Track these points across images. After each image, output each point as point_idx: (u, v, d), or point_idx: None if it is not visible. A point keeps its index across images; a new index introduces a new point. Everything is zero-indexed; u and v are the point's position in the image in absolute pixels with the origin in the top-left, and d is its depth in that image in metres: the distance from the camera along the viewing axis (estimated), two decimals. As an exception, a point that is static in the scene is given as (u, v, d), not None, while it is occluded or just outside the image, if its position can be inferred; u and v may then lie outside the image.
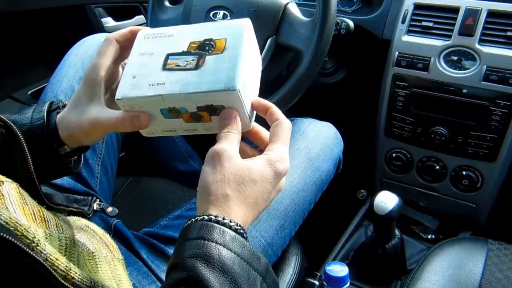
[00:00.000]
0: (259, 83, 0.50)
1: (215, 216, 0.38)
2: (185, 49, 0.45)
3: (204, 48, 0.45)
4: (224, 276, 0.35)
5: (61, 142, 0.50)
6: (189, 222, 0.39)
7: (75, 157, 0.54)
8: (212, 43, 0.45)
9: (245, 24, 0.46)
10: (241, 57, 0.43)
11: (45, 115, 0.50)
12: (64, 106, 0.52)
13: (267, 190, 0.41)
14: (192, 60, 0.44)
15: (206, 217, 0.38)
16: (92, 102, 0.47)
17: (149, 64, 0.45)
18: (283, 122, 0.46)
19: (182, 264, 0.35)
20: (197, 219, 0.38)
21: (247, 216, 0.40)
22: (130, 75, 0.45)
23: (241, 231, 0.38)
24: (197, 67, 0.43)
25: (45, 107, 0.51)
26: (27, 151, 0.49)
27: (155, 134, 0.48)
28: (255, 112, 0.47)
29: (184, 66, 0.44)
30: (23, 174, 0.49)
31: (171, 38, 0.47)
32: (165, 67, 0.44)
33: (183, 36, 0.47)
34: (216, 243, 0.36)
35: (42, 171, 0.51)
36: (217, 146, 0.41)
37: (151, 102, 0.44)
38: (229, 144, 0.41)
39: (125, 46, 0.49)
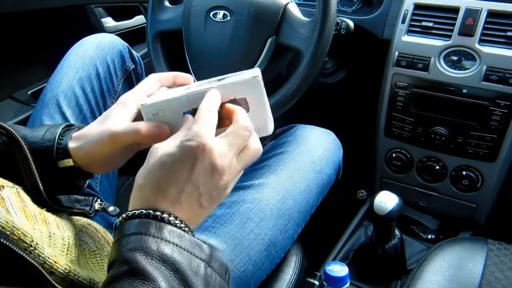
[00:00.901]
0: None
1: (153, 210, 0.38)
2: None
3: None
4: (164, 265, 0.35)
5: (66, 154, 0.50)
6: (122, 219, 0.39)
7: (81, 180, 0.54)
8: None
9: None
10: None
11: (56, 136, 0.50)
12: (80, 128, 0.52)
13: (179, 169, 0.39)
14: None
15: (143, 212, 0.38)
16: (118, 116, 0.48)
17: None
18: (236, 122, 0.44)
19: (121, 259, 0.36)
20: (134, 213, 0.39)
21: (171, 201, 0.40)
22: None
23: (176, 222, 0.39)
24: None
25: (59, 129, 0.51)
26: (30, 158, 0.49)
27: None
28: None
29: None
30: (27, 180, 0.49)
31: None
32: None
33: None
34: (154, 236, 0.37)
35: (48, 188, 0.51)
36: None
37: (176, 105, 0.45)
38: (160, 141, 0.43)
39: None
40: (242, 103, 0.45)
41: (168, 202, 0.40)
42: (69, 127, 0.53)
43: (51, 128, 0.52)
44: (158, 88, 0.51)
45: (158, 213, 0.38)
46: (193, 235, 0.40)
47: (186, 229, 0.39)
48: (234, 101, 0.45)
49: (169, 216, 0.38)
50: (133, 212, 0.39)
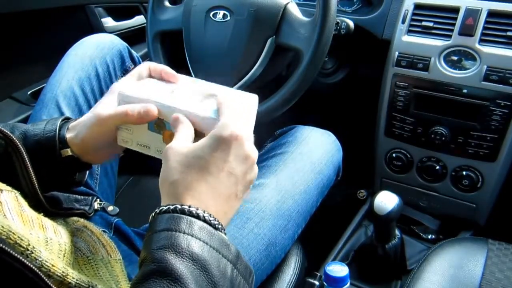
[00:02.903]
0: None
1: (187, 207, 0.38)
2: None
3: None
4: (194, 264, 0.35)
5: (65, 144, 0.51)
6: (154, 214, 0.40)
7: (81, 172, 0.55)
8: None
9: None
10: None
11: (57, 128, 0.51)
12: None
13: (215, 159, 0.41)
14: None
15: (171, 207, 0.39)
16: (106, 102, 0.50)
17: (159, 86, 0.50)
18: (221, 101, 0.45)
19: (151, 257, 0.36)
20: (162, 209, 0.39)
21: (208, 196, 0.40)
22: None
23: (210, 218, 0.39)
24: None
25: (59, 120, 0.53)
26: (27, 161, 0.49)
27: (128, 144, 0.51)
28: None
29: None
30: (25, 183, 0.50)
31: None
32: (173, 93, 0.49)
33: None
34: (184, 233, 0.37)
35: (47, 182, 0.52)
36: (166, 148, 0.43)
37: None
38: (174, 141, 0.43)
39: None
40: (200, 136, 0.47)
41: (205, 196, 0.40)
42: (67, 120, 0.55)
43: (51, 121, 0.53)
44: (147, 76, 0.53)
45: (187, 207, 0.38)
46: (225, 233, 0.40)
47: (218, 226, 0.39)
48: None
49: (199, 210, 0.39)
50: (161, 208, 0.39)
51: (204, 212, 0.39)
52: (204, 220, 0.38)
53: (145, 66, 0.53)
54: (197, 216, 0.38)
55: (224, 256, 0.38)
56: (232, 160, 0.41)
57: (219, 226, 0.40)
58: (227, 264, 0.38)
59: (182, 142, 0.43)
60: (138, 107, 0.47)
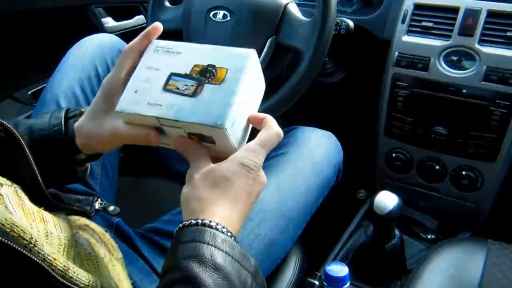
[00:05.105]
0: (260, 102, 0.52)
1: (210, 221, 0.41)
2: (188, 72, 0.47)
3: (205, 74, 0.46)
4: (217, 274, 0.37)
5: (77, 149, 0.52)
6: (181, 226, 0.41)
7: (85, 165, 0.56)
8: (213, 70, 0.46)
9: (250, 55, 0.47)
10: (236, 94, 0.44)
11: (62, 121, 0.52)
12: (81, 113, 0.53)
13: (242, 184, 0.43)
14: (191, 85, 0.46)
15: (200, 222, 0.41)
16: (111, 114, 0.49)
17: (152, 80, 0.47)
18: (269, 128, 0.47)
19: (176, 265, 0.38)
20: (191, 223, 0.41)
21: (231, 213, 0.43)
22: (133, 89, 0.47)
23: (229, 233, 0.41)
24: (194, 94, 0.45)
25: (62, 113, 0.53)
26: (29, 154, 0.49)
27: None
28: (247, 137, 0.49)
29: (183, 90, 0.45)
30: (27, 176, 0.50)
31: (178, 56, 0.48)
32: (165, 88, 0.46)
33: (190, 56, 0.48)
34: (208, 244, 0.39)
35: (51, 177, 0.52)
36: (188, 171, 0.45)
37: (146, 120, 0.46)
38: (195, 162, 0.45)
39: (142, 52, 0.51)
40: (209, 139, 0.46)
41: (227, 213, 0.43)
42: (68, 111, 0.54)
43: (54, 113, 0.53)
44: (135, 60, 0.50)
45: (213, 223, 0.40)
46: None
47: (236, 241, 0.42)
48: (202, 136, 0.46)
49: (223, 228, 0.41)
50: (189, 221, 0.41)
51: (224, 227, 0.41)
52: (227, 235, 0.41)
53: (122, 59, 0.51)
54: (221, 231, 0.40)
55: (245, 267, 0.40)
56: (254, 184, 0.44)
57: (236, 242, 0.42)
58: (248, 275, 0.40)
59: (203, 163, 0.45)
60: (144, 134, 0.48)
